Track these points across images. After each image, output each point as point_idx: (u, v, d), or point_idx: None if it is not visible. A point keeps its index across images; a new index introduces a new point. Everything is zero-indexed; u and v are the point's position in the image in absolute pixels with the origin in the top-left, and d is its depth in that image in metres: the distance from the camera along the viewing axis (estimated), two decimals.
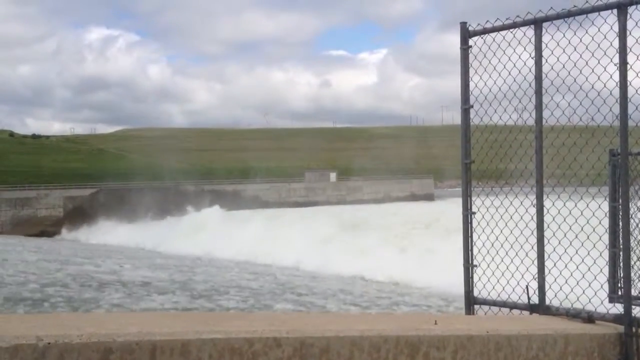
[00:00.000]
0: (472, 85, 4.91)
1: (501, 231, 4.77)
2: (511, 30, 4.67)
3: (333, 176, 71.16)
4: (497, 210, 4.79)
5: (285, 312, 13.61)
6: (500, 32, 4.74)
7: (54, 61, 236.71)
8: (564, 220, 4.53)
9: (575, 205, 4.50)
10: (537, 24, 4.51)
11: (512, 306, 4.60)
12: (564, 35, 4.40)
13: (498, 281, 4.74)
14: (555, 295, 4.44)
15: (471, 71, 4.93)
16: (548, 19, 4.46)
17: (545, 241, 4.44)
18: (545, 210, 4.43)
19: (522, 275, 4.58)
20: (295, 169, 74.01)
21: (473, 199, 4.88)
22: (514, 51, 4.66)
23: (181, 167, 72.53)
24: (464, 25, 4.96)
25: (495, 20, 4.74)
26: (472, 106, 4.90)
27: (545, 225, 4.42)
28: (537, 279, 4.46)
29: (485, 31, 4.82)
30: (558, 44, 4.43)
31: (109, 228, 46.32)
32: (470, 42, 4.91)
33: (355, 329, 3.00)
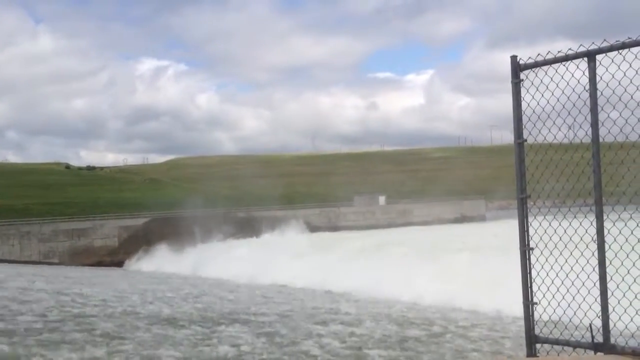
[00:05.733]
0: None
1: (561, 267, 4.67)
2: (563, 63, 4.61)
3: (382, 199, 70.66)
4: (556, 245, 4.69)
5: None
6: (552, 65, 4.69)
7: (107, 93, 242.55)
8: (627, 256, 4.40)
9: None
10: (590, 56, 4.44)
11: (576, 345, 4.48)
12: (619, 67, 4.32)
13: (560, 319, 4.63)
14: (621, 334, 4.32)
15: (523, 104, 4.88)
16: (601, 51, 4.38)
17: (608, 277, 4.32)
18: (607, 247, 4.32)
19: (585, 313, 4.46)
20: (344, 193, 73.81)
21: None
22: (568, 84, 4.60)
23: (231, 193, 73.25)
24: (514, 59, 4.91)
25: (547, 53, 4.69)
26: (526, 140, 4.84)
27: (607, 262, 4.31)
28: (600, 317, 4.34)
29: (536, 64, 4.76)
30: (613, 76, 4.35)
31: (174, 256, 44.29)
32: (522, 75, 4.86)
33: None
